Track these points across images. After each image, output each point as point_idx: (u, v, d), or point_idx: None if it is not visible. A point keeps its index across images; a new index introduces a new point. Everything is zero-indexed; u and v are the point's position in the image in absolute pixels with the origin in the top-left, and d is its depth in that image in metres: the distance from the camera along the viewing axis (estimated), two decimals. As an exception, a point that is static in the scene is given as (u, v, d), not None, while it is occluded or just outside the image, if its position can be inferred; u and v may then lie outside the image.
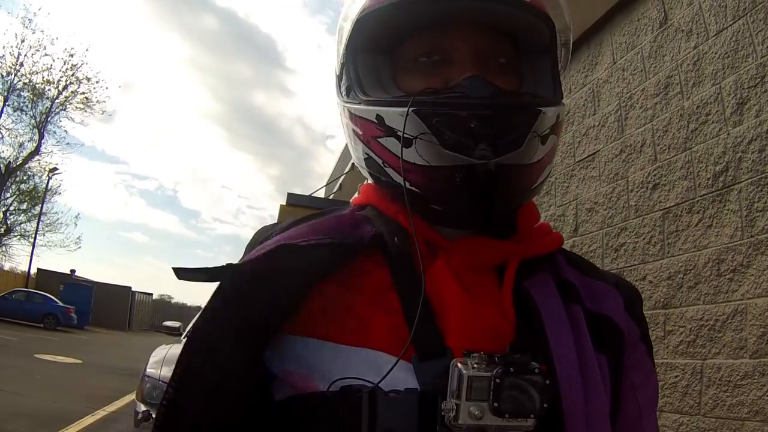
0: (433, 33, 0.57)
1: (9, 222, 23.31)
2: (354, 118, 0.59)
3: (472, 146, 0.51)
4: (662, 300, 2.17)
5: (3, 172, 21.51)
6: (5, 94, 21.20)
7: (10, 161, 21.95)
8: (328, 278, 0.55)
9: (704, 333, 1.94)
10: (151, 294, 36.29)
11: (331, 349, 0.52)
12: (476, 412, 0.46)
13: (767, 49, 1.83)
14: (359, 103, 0.58)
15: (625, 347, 0.60)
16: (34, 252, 23.58)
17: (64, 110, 22.93)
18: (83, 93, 22.99)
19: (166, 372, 3.81)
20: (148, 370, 3.92)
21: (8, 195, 22.81)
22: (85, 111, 23.18)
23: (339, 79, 0.63)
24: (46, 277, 24.94)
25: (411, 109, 0.52)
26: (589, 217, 2.74)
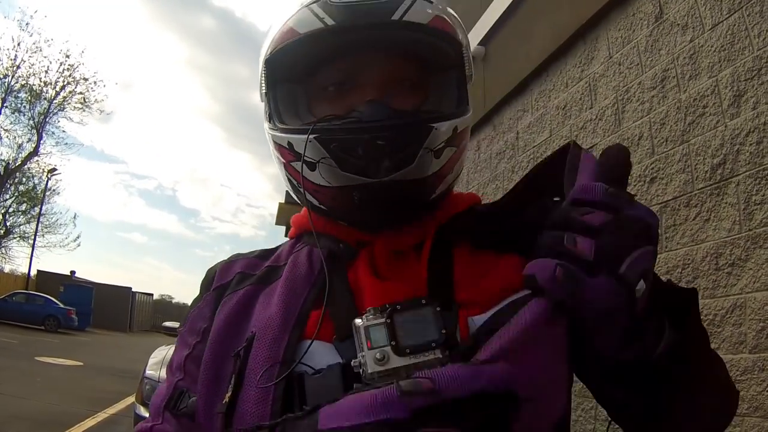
0: (340, 62, 0.63)
1: (8, 224, 23.30)
2: (274, 143, 0.65)
3: (367, 166, 0.57)
4: (661, 295, 2.16)
5: (2, 173, 21.47)
6: (3, 95, 21.18)
7: (8, 162, 21.94)
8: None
9: (703, 328, 1.93)
10: (152, 294, 36.31)
11: None
12: (378, 356, 0.49)
13: (764, 41, 1.82)
14: (276, 130, 0.64)
15: None
16: (34, 253, 23.55)
17: (62, 111, 22.95)
18: (81, 93, 22.98)
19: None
20: (147, 371, 3.92)
21: (7, 196, 22.81)
22: (83, 111, 23.23)
23: (264, 107, 0.69)
24: (46, 278, 24.94)
25: (312, 136, 0.58)
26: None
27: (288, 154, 0.63)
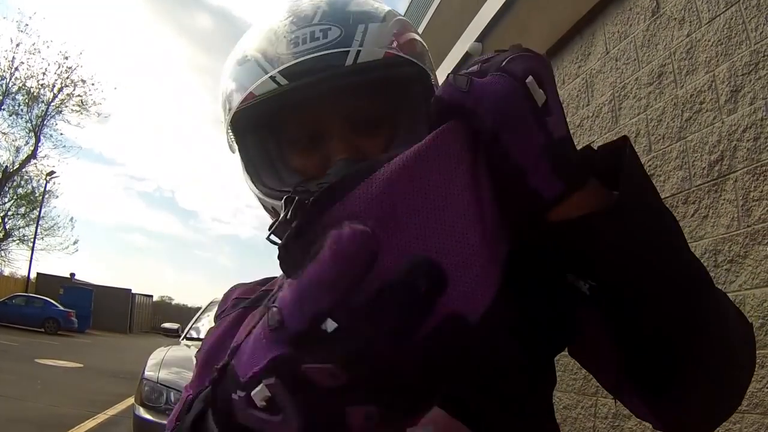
0: (301, 118, 0.60)
1: (7, 227, 23.30)
2: (258, 199, 0.64)
3: None
4: (660, 292, 2.15)
5: (0, 176, 21.48)
6: (1, 98, 21.16)
7: (7, 166, 21.93)
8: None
9: (702, 325, 1.92)
10: (152, 296, 36.32)
11: None
12: None
13: (761, 35, 1.80)
14: (260, 192, 0.62)
15: None
16: (33, 256, 23.57)
17: (60, 113, 22.92)
18: (79, 95, 22.96)
19: (165, 374, 3.79)
20: (146, 372, 3.90)
21: (6, 200, 22.81)
22: (81, 113, 23.17)
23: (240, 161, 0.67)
24: (45, 281, 24.95)
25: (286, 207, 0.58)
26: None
27: (272, 215, 0.63)
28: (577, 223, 0.42)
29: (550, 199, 0.42)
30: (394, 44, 0.59)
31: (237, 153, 0.66)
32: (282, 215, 0.54)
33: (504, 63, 0.42)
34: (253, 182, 0.63)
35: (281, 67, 0.57)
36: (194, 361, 0.71)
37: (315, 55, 0.56)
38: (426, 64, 0.62)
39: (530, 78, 0.41)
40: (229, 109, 0.62)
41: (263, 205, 0.64)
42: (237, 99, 0.60)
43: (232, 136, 0.65)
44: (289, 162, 0.63)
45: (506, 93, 0.40)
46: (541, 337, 0.55)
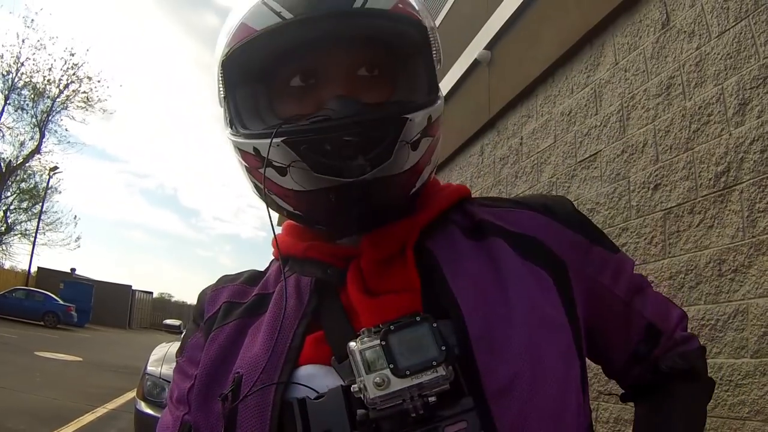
0: (301, 57, 0.58)
1: (9, 221, 23.31)
2: (237, 150, 0.61)
3: (342, 166, 0.53)
4: (663, 300, 2.18)
5: (3, 170, 21.49)
6: (6, 92, 21.21)
7: (10, 160, 21.95)
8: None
9: (705, 333, 1.94)
10: (151, 292, 36.30)
11: None
12: (377, 380, 0.47)
13: (769, 50, 1.84)
14: (239, 136, 0.59)
15: (570, 261, 0.61)
16: (35, 251, 23.56)
17: (65, 109, 22.95)
18: (84, 92, 23.02)
19: (167, 370, 3.82)
20: (148, 368, 3.93)
21: (9, 194, 22.82)
22: (86, 110, 23.21)
23: (223, 112, 0.64)
24: (46, 275, 24.95)
25: (279, 139, 0.54)
26: (591, 218, 2.74)
27: (254, 161, 0.58)
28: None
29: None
30: (401, 5, 0.58)
31: (223, 105, 0.63)
32: (267, 153, 0.55)
33: None
34: (236, 129, 0.60)
35: (285, 1, 0.54)
36: (177, 362, 0.67)
37: None
38: (428, 23, 0.62)
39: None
40: (227, 51, 0.58)
41: (241, 153, 0.60)
42: (235, 36, 0.57)
43: (221, 84, 0.61)
44: (279, 110, 0.60)
45: None
46: None
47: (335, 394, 0.50)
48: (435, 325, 0.49)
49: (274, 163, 0.56)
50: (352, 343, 0.50)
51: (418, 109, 0.56)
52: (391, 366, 0.47)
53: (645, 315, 0.65)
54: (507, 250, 0.59)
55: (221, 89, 0.62)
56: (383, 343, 0.48)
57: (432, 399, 0.47)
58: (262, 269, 0.72)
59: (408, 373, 0.47)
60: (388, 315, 0.53)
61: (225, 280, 0.71)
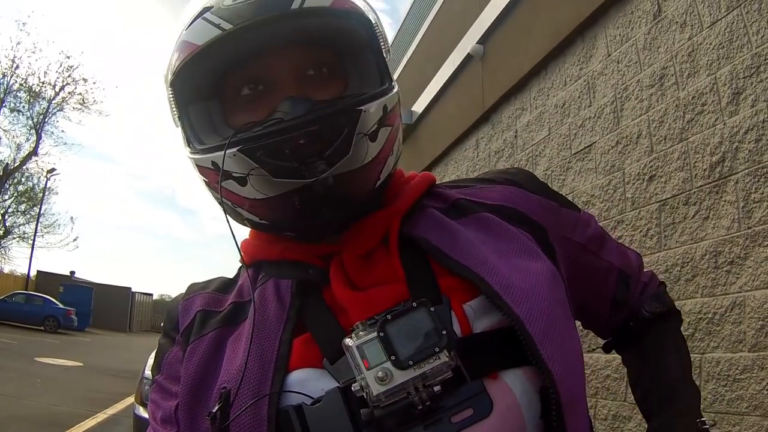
0: (247, 66, 0.57)
1: (7, 224, 23.29)
2: (198, 168, 0.60)
3: (300, 167, 0.52)
4: (660, 293, 2.16)
5: (1, 173, 21.47)
6: (2, 95, 21.16)
7: (7, 163, 21.92)
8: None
9: (702, 326, 1.93)
10: (151, 294, 36.31)
11: None
12: (380, 374, 0.45)
13: (762, 39, 1.81)
14: (197, 153, 0.58)
15: (547, 225, 0.63)
16: (33, 254, 23.56)
17: (61, 111, 22.92)
18: (80, 93, 22.97)
19: (165, 373, 3.79)
20: (146, 372, 3.90)
21: (6, 197, 22.80)
22: (83, 111, 23.19)
23: (181, 132, 0.63)
24: (45, 279, 24.91)
25: (236, 148, 0.53)
26: (586, 210, 2.73)
27: (213, 175, 0.56)
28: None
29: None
30: (340, 0, 0.57)
31: (179, 124, 0.62)
32: (221, 165, 0.53)
33: None
34: (194, 146, 0.59)
35: (223, 12, 0.53)
36: (155, 381, 0.63)
37: None
38: (372, 15, 0.61)
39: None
40: (173, 70, 0.57)
41: (201, 169, 0.59)
42: (179, 54, 0.56)
43: (173, 105, 0.60)
44: (232, 121, 0.59)
45: None
46: None
47: (333, 396, 0.48)
48: (433, 309, 0.48)
49: (234, 174, 0.54)
50: (347, 340, 0.47)
51: (371, 100, 0.56)
52: (393, 358, 0.45)
53: (615, 263, 0.70)
54: (497, 221, 0.60)
55: (174, 109, 0.61)
56: (381, 334, 0.46)
57: (437, 389, 0.45)
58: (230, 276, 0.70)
59: (411, 363, 0.45)
60: (379, 307, 0.51)
61: (195, 289, 0.68)
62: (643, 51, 2.42)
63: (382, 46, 0.61)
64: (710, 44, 2.03)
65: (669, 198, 2.18)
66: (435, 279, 0.54)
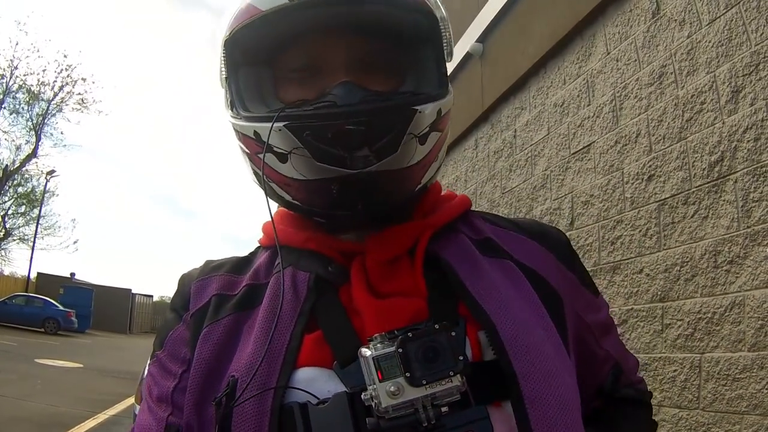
0: (307, 41, 0.56)
1: (7, 226, 23.30)
2: (238, 133, 0.58)
3: (345, 156, 0.51)
4: (659, 293, 2.15)
5: (0, 175, 21.47)
6: (1, 96, 21.15)
7: (7, 164, 21.93)
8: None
9: (702, 326, 1.92)
10: (152, 296, 36.27)
11: None
12: (393, 389, 0.45)
13: (761, 37, 1.81)
14: (240, 119, 0.57)
15: (565, 298, 0.61)
16: (34, 255, 23.56)
17: (61, 111, 22.92)
18: (79, 94, 22.98)
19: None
20: (146, 372, 3.91)
21: (6, 198, 22.80)
22: (82, 111, 23.19)
23: (225, 94, 0.62)
24: (45, 280, 24.93)
25: (281, 124, 0.51)
26: (585, 210, 2.72)
27: (254, 145, 0.55)
28: None
29: None
30: None
31: (224, 86, 0.61)
32: (267, 137, 0.52)
33: None
34: (237, 111, 0.58)
35: None
36: (155, 355, 0.62)
37: None
38: (439, 13, 0.59)
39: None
40: (232, 30, 0.56)
41: (240, 136, 0.58)
42: (240, 15, 0.55)
43: (224, 64, 0.59)
44: (282, 94, 0.58)
45: None
46: None
47: (340, 400, 0.48)
48: (453, 334, 0.48)
49: (275, 149, 0.53)
50: (365, 350, 0.47)
51: (428, 101, 0.54)
52: (407, 375, 0.45)
53: (613, 354, 0.67)
54: (521, 276, 0.59)
55: (223, 69, 0.59)
56: (400, 350, 0.46)
57: (444, 409, 0.46)
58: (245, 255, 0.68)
59: (424, 382, 0.45)
60: (395, 318, 0.51)
61: (209, 269, 0.65)
62: (642, 49, 2.41)
63: (445, 48, 0.59)
64: (709, 42, 2.02)
65: (668, 197, 2.17)
66: (455, 303, 0.54)
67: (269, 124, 0.52)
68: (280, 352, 0.52)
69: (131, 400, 6.17)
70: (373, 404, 0.46)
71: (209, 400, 0.52)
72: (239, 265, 0.65)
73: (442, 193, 0.67)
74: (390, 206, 0.57)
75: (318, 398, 0.49)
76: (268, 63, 0.58)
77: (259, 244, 0.68)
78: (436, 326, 0.48)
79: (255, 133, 0.54)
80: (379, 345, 0.47)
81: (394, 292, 0.55)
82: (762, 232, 1.73)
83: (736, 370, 1.75)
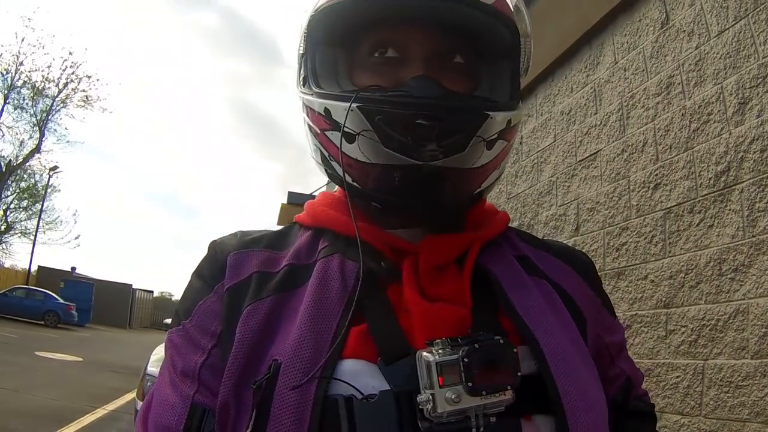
0: (390, 30, 0.57)
1: (9, 219, 23.32)
2: (306, 109, 0.60)
3: (413, 147, 0.52)
4: (664, 299, 2.17)
5: (3, 170, 21.49)
6: (6, 92, 21.19)
7: (10, 159, 21.95)
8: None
9: (706, 333, 1.94)
10: (152, 291, 36.30)
11: None
12: (453, 396, 0.45)
13: (769, 49, 1.83)
14: (311, 95, 0.58)
15: (588, 318, 0.64)
16: (35, 249, 23.58)
17: (65, 107, 22.96)
18: (84, 91, 23.01)
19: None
20: (149, 368, 3.92)
21: (9, 193, 22.82)
22: (86, 108, 23.23)
23: (298, 69, 0.63)
24: (46, 274, 24.94)
25: (355, 104, 0.53)
26: (591, 217, 2.75)
27: (323, 122, 0.56)
28: None
29: None
30: (502, 4, 0.57)
31: (300, 61, 0.62)
32: (345, 118, 0.53)
33: None
34: (310, 87, 0.58)
35: None
36: (181, 325, 0.59)
37: None
38: (523, 35, 0.61)
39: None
40: (318, 7, 0.57)
41: (309, 111, 0.58)
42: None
43: (303, 40, 0.60)
44: (356, 78, 0.59)
45: None
46: None
47: (388, 398, 0.48)
48: (515, 350, 0.49)
49: (345, 128, 0.54)
50: (427, 354, 0.47)
51: (501, 110, 0.56)
52: (469, 384, 0.46)
53: (626, 370, 0.69)
54: (555, 295, 0.61)
55: (302, 45, 0.60)
56: (466, 360, 0.46)
57: (493, 419, 0.47)
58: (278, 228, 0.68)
59: (484, 393, 0.46)
60: (441, 323, 0.52)
61: (247, 241, 0.62)
62: (650, 59, 2.44)
63: (521, 63, 0.61)
64: (717, 53, 2.05)
65: (674, 206, 2.19)
66: (497, 316, 0.55)
67: (342, 103, 0.53)
68: (326, 342, 0.51)
69: (130, 395, 6.18)
70: (427, 407, 0.46)
71: (247, 382, 0.51)
72: (277, 240, 0.64)
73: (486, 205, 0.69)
74: (447, 205, 0.58)
75: (362, 392, 0.48)
76: (347, 45, 0.59)
77: (295, 221, 0.68)
78: (501, 340, 0.48)
79: (326, 110, 0.55)
80: (441, 350, 0.47)
81: (440, 297, 0.55)
82: (767, 241, 1.76)
83: (738, 378, 1.77)
